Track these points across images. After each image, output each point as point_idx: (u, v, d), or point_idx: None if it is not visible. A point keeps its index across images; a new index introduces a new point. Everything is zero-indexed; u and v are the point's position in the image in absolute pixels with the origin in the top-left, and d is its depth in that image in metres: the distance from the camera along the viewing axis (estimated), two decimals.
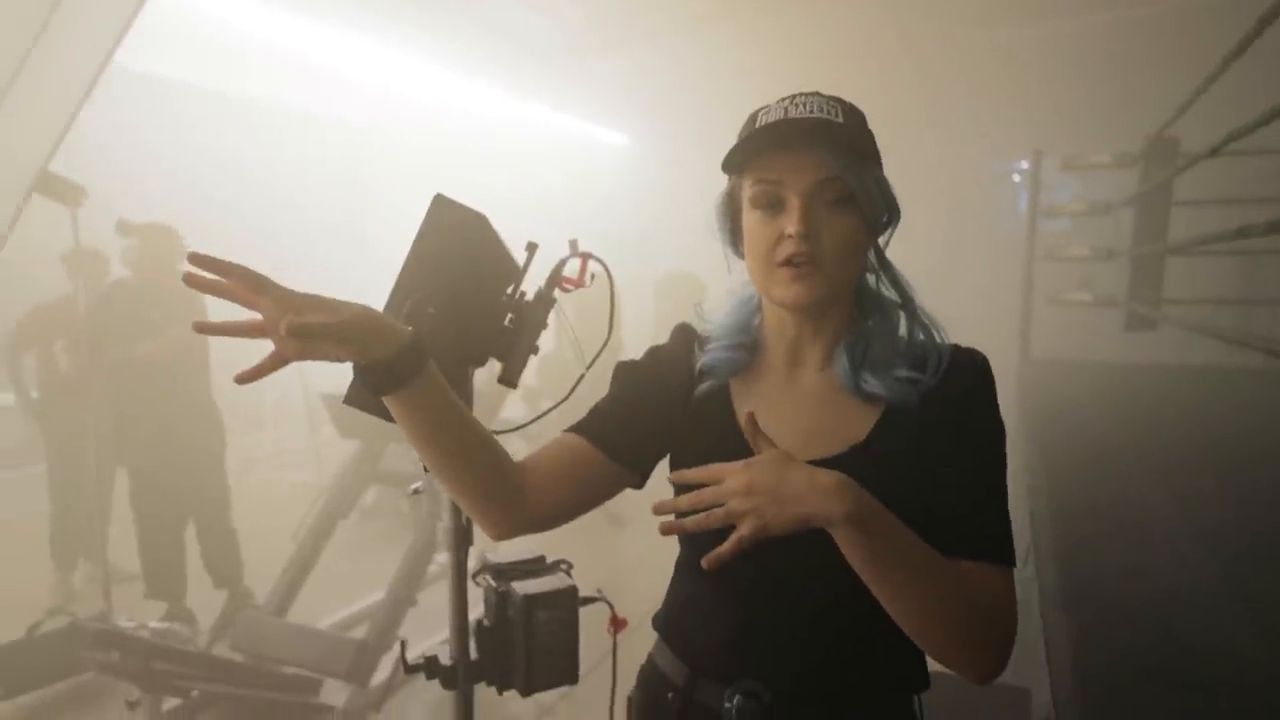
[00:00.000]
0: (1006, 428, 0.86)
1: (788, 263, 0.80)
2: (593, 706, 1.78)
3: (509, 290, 1.06)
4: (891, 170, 0.87)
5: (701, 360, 0.92)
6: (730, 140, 0.86)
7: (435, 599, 3.17)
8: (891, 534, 0.73)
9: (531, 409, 4.96)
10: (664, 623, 0.98)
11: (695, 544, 0.89)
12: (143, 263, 3.36)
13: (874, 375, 0.84)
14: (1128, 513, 2.00)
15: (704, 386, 0.92)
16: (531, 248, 1.10)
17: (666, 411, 0.93)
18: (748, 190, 0.84)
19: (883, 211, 0.84)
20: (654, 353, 0.98)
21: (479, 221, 0.94)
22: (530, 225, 1.22)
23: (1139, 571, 1.58)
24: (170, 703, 2.53)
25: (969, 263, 7.20)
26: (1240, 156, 2.45)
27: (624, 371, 0.98)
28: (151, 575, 3.41)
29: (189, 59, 6.09)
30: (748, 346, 0.92)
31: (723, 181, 0.91)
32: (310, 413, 4.81)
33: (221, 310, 0.77)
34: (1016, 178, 8.30)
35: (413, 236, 0.95)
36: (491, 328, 1.03)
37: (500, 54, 6.38)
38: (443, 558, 3.30)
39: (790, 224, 0.79)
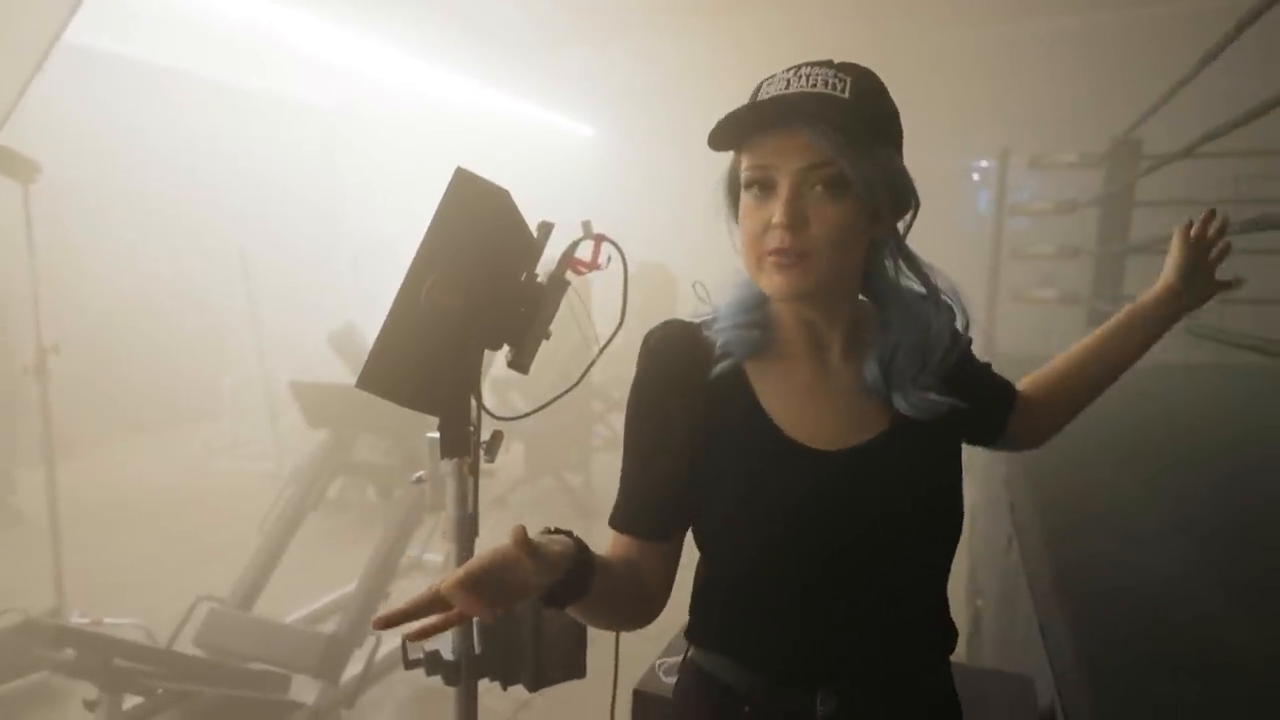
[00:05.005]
0: None
1: (775, 252, 0.76)
2: (570, 701, 1.76)
3: (524, 275, 1.02)
4: None
5: (720, 341, 0.85)
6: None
7: (408, 592, 3.11)
8: None
9: (499, 400, 4.90)
10: (717, 635, 0.90)
11: (757, 554, 0.84)
12: None
13: (906, 398, 0.82)
14: (1104, 503, 2.05)
15: (720, 369, 0.84)
16: (545, 228, 1.06)
17: (682, 423, 0.85)
18: (743, 171, 0.78)
19: (887, 197, 0.77)
20: (653, 361, 0.87)
21: (501, 197, 0.91)
22: None
23: (1124, 559, 1.62)
24: (131, 701, 2.43)
25: (931, 259, 7.31)
26: (1200, 160, 2.52)
27: (630, 424, 0.88)
28: None
29: (166, 42, 5.95)
30: (760, 324, 0.86)
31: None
32: (271, 402, 4.67)
33: None
34: (976, 176, 8.46)
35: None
36: (508, 312, 0.99)
37: (468, 43, 6.29)
38: (414, 550, 3.25)
39: (776, 212, 0.75)
